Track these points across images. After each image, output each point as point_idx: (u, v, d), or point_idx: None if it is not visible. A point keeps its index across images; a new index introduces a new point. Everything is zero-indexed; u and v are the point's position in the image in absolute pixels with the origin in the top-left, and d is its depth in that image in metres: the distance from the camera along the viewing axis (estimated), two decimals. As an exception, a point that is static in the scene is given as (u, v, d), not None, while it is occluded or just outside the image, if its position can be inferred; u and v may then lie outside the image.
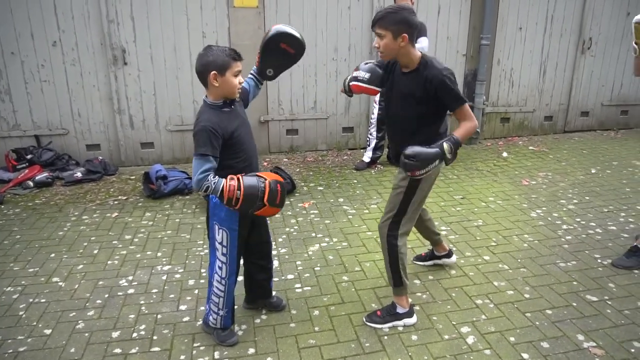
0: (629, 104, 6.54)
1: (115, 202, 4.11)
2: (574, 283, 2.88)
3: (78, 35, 4.61)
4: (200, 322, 2.47)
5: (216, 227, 2.19)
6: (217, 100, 2.09)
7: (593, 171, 4.91)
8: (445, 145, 2.12)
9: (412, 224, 2.47)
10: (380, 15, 2.18)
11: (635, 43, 2.73)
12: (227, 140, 2.07)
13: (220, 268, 2.25)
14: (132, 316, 2.57)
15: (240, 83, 2.09)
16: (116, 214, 3.87)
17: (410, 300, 2.55)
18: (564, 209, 3.95)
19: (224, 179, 2.00)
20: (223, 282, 2.26)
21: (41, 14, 4.48)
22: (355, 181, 4.61)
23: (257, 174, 2.10)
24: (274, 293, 2.66)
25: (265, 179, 2.05)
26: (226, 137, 2.06)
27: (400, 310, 2.48)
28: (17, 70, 4.57)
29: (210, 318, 2.33)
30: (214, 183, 1.99)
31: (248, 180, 2.02)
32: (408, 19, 2.16)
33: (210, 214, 2.21)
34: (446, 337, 2.41)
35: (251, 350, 2.31)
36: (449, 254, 3.01)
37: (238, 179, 2.01)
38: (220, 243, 2.21)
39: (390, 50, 2.20)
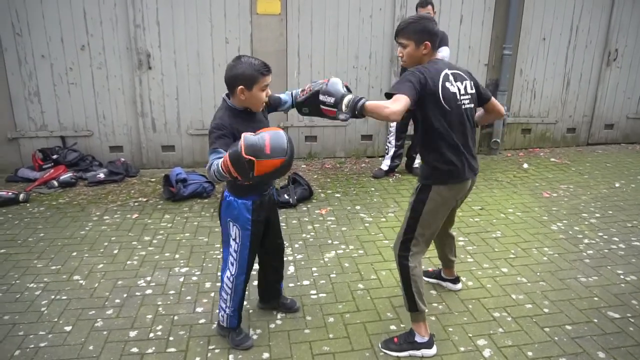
0: (655, 117, 6.40)
1: (136, 204, 4.18)
2: (595, 299, 2.82)
3: (105, 40, 4.73)
4: (215, 325, 2.49)
5: (230, 223, 2.23)
6: (239, 106, 2.11)
7: (617, 185, 4.80)
8: (348, 96, 2.02)
9: (426, 245, 2.36)
10: (402, 26, 2.23)
11: None
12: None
13: (232, 264, 2.28)
14: (150, 316, 2.61)
15: (267, 96, 2.10)
16: (136, 215, 3.94)
17: (429, 329, 2.37)
18: (586, 223, 3.87)
19: (219, 159, 1.93)
20: (231, 279, 2.29)
21: (71, 19, 4.62)
22: (373, 189, 4.60)
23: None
24: (287, 295, 2.70)
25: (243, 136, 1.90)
26: (236, 137, 1.96)
27: (418, 339, 2.32)
28: (46, 72, 4.71)
29: (220, 314, 2.37)
30: (216, 164, 1.91)
31: (232, 146, 1.90)
32: (429, 28, 2.20)
33: (224, 211, 2.25)
34: (462, 349, 2.38)
35: (265, 355, 2.32)
36: (455, 280, 2.89)
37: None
38: (234, 239, 2.24)
39: (413, 59, 2.23)
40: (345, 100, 2.02)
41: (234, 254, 2.26)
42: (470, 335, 2.48)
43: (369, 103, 2.01)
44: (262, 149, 1.81)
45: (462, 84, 2.24)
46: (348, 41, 5.23)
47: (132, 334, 2.47)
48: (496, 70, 5.66)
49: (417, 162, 5.06)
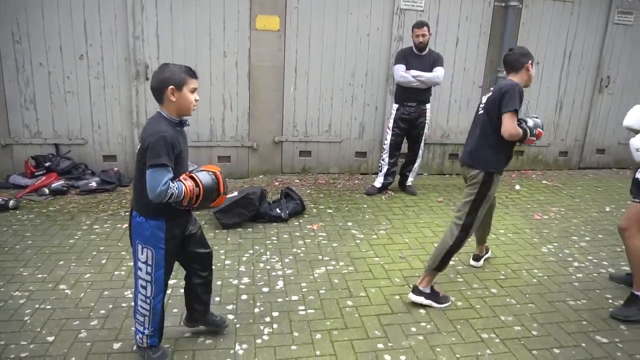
0: (646, 143, 6.47)
1: (127, 214, 4.15)
2: (584, 323, 2.81)
3: (104, 50, 4.77)
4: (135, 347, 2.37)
5: (139, 246, 2.14)
6: (173, 116, 2.10)
7: (607, 209, 4.84)
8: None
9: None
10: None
11: None
12: (175, 158, 2.05)
13: (145, 287, 2.18)
14: (134, 328, 2.57)
15: (196, 100, 2.12)
16: (127, 225, 3.90)
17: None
18: (576, 246, 3.89)
19: (181, 183, 2.02)
20: (148, 301, 2.20)
21: (71, 28, 4.65)
22: (365, 206, 4.60)
23: (202, 168, 2.16)
24: (277, 311, 2.65)
25: (214, 172, 2.12)
26: (176, 153, 2.05)
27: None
28: (43, 80, 4.72)
29: (137, 337, 2.28)
30: (176, 189, 1.99)
31: (202, 176, 2.07)
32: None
33: (134, 233, 2.16)
34: (449, 370, 2.36)
35: (250, 371, 2.29)
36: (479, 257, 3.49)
37: (192, 177, 2.06)
38: (145, 262, 2.15)
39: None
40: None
41: (147, 277, 2.16)
42: (458, 356, 2.47)
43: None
44: (226, 186, 2.15)
45: (485, 96, 2.94)
46: (345, 59, 5.29)
47: (116, 345, 2.43)
48: (490, 92, 5.72)
49: (410, 180, 5.08)
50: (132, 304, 2.77)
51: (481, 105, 2.91)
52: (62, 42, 4.67)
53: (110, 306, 2.77)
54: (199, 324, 2.53)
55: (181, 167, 2.12)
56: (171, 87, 2.04)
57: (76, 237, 3.66)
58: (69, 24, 4.64)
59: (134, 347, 2.39)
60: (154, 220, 2.11)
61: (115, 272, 3.16)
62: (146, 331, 2.25)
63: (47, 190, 4.47)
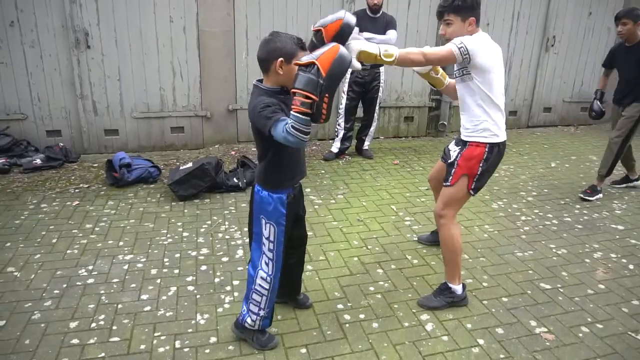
0: (588, 100, 6.73)
1: (77, 190, 3.99)
2: (530, 272, 2.99)
3: (38, 16, 4.42)
4: (235, 329, 2.31)
5: (263, 221, 2.09)
6: (274, 87, 1.99)
7: (553, 165, 5.09)
8: None
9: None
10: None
11: None
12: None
13: (267, 264, 2.14)
14: (92, 306, 2.53)
15: None
16: (77, 202, 3.77)
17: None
18: (524, 201, 4.09)
19: (291, 112, 1.76)
20: (269, 279, 2.14)
21: (-3, -8, 4.28)
22: (323, 171, 4.63)
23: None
24: (238, 278, 2.66)
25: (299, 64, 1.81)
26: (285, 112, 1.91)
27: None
28: (-29, 51, 4.36)
29: (249, 320, 2.20)
30: (292, 117, 1.75)
31: (297, 81, 1.76)
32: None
33: (256, 208, 2.11)
34: (406, 324, 2.47)
35: (213, 339, 2.31)
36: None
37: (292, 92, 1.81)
38: (268, 238, 2.11)
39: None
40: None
41: (269, 254, 2.13)
42: (414, 311, 2.58)
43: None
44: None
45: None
46: (297, 22, 5.17)
47: (73, 324, 2.38)
48: (443, 54, 5.78)
49: (367, 144, 5.12)
50: (88, 281, 2.72)
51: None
52: (-11, 8, 4.30)
53: (64, 285, 2.69)
54: (285, 300, 2.54)
55: None
56: (281, 59, 1.91)
57: (22, 217, 3.49)
58: (-5, -13, 4.27)
59: (234, 330, 2.30)
60: (277, 194, 2.07)
61: (68, 251, 3.06)
62: (261, 312, 2.18)
63: (-14, 170, 4.21)
